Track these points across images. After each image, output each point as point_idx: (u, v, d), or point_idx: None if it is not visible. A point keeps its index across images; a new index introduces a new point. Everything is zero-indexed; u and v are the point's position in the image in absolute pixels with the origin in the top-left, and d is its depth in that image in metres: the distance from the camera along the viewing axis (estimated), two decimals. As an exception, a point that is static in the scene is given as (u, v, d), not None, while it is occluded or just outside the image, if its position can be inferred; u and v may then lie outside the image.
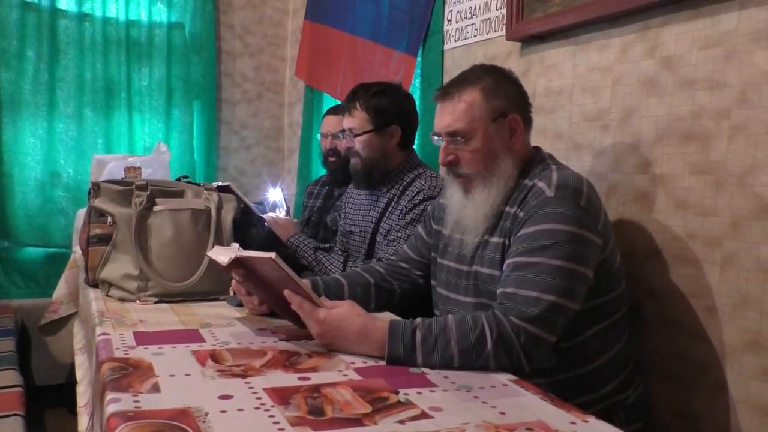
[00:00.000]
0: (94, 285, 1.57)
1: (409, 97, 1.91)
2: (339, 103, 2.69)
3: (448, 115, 1.30)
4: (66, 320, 2.70)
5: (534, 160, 1.32)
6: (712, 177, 1.34)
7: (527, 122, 1.34)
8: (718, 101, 1.33)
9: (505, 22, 1.89)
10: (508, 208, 1.28)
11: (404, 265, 1.53)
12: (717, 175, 1.33)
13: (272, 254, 1.10)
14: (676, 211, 1.41)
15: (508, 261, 1.21)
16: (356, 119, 1.85)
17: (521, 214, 1.23)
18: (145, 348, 1.12)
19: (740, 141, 1.29)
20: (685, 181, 1.40)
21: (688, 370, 1.39)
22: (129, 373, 0.99)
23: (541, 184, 1.23)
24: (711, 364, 1.35)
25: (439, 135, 1.33)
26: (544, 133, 1.76)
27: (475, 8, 2.10)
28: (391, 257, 1.60)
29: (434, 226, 1.49)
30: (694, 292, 1.38)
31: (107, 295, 1.53)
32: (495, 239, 1.28)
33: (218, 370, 1.02)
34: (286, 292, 1.15)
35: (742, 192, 1.28)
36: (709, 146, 1.35)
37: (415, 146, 1.96)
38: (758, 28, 1.26)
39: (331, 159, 2.28)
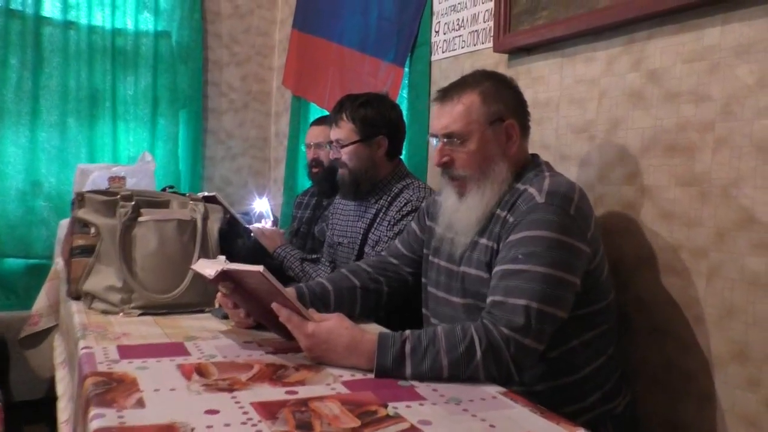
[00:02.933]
0: (77, 297, 1.55)
1: (396, 107, 1.92)
2: (325, 113, 2.70)
3: (445, 117, 1.31)
4: (46, 333, 2.66)
5: (529, 167, 1.33)
6: (697, 188, 1.36)
7: (524, 129, 1.35)
8: (703, 114, 1.35)
9: (492, 34, 1.91)
10: (499, 211, 1.29)
11: (394, 261, 1.53)
12: (702, 187, 1.35)
13: (260, 268, 1.09)
14: (663, 221, 1.43)
15: (496, 268, 1.22)
16: (343, 130, 1.85)
17: (511, 219, 1.24)
18: (129, 362, 1.11)
19: (724, 153, 1.30)
20: (670, 193, 1.41)
21: (676, 379, 1.40)
22: (113, 388, 0.97)
23: (531, 190, 1.24)
24: (698, 373, 1.36)
25: (435, 136, 1.33)
26: (532, 145, 1.76)
27: (462, 20, 2.12)
28: (381, 253, 1.60)
29: (428, 223, 1.49)
30: (681, 302, 1.39)
31: (90, 308, 1.50)
32: (484, 241, 1.29)
33: (204, 385, 1.01)
34: (274, 305, 1.14)
35: (727, 203, 1.30)
36: (694, 158, 1.36)
37: (402, 156, 1.97)
38: (741, 42, 1.28)
39: (315, 170, 2.29)
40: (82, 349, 1.18)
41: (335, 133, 1.87)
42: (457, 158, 1.31)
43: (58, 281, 2.32)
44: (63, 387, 1.62)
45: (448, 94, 1.32)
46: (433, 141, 1.34)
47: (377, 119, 1.84)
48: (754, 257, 1.25)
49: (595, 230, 1.26)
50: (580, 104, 1.65)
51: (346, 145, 1.84)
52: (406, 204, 1.79)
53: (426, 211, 1.53)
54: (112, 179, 2.24)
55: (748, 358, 1.26)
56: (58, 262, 2.30)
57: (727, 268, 1.30)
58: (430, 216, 1.49)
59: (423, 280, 1.47)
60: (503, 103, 1.31)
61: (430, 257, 1.44)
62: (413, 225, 1.55)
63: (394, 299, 1.52)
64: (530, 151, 1.51)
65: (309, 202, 2.42)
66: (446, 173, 1.34)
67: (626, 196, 1.52)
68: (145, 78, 3.27)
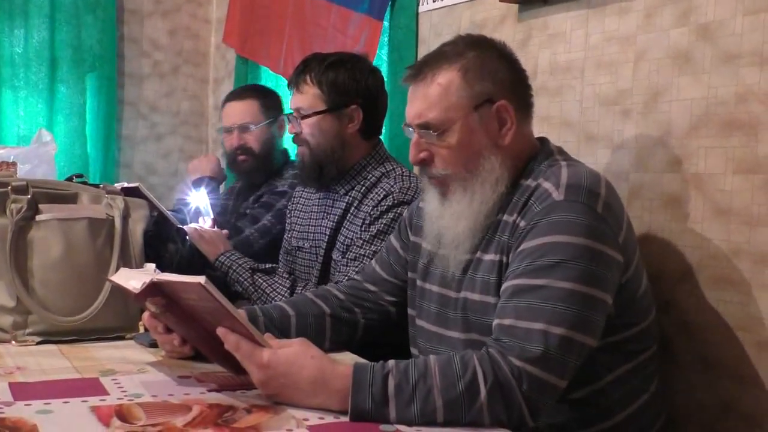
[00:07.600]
0: (-46, 321, 1.54)
1: (376, 72, 1.93)
2: (258, 83, 2.71)
3: (418, 102, 1.33)
4: None
5: (538, 156, 1.35)
6: (763, 177, 1.38)
7: (523, 110, 1.36)
8: (768, 81, 1.38)
9: (498, -23, 1.93)
10: (505, 217, 1.30)
11: (371, 287, 1.54)
12: None
13: (202, 279, 1.10)
14: (717, 220, 1.45)
15: (505, 284, 1.23)
16: (306, 96, 1.86)
17: (522, 224, 1.26)
18: (26, 404, 1.10)
19: (795, 132, 1.34)
20: (727, 183, 1.44)
21: (734, 426, 1.43)
22: (6, 439, 0.97)
23: (546, 185, 1.26)
24: (764, 417, 1.38)
25: (410, 126, 1.35)
26: (549, 121, 1.80)
27: (459, -41, 2.13)
28: (355, 278, 1.61)
29: (412, 238, 1.51)
30: (740, 324, 1.42)
31: (-29, 335, 1.49)
32: (489, 257, 1.30)
33: (128, 432, 1.01)
34: (220, 330, 1.15)
35: (799, 196, 1.33)
36: (757, 138, 1.39)
37: (382, 136, 1.98)
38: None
39: (241, 158, 2.32)
40: (-37, 388, 1.17)
41: (296, 101, 1.88)
42: (437, 153, 1.32)
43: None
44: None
45: (420, 71, 1.33)
46: (409, 132, 1.36)
47: (350, 85, 1.85)
48: (832, 264, 1.28)
49: (627, 232, 1.28)
50: (611, 69, 1.68)
51: (309, 116, 1.85)
52: (385, 197, 1.80)
53: (408, 223, 1.54)
54: (-3, 165, 2.22)
55: (824, 392, 1.30)
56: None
57: (798, 278, 1.33)
58: (414, 229, 1.51)
59: (410, 311, 1.48)
60: (491, 80, 1.32)
61: (418, 282, 1.45)
62: (393, 241, 1.56)
63: (371, 334, 1.53)
64: (549, 130, 1.54)
65: (236, 205, 2.45)
66: (425, 172, 1.36)
67: (669, 188, 1.54)
68: (38, 31, 3.24)
